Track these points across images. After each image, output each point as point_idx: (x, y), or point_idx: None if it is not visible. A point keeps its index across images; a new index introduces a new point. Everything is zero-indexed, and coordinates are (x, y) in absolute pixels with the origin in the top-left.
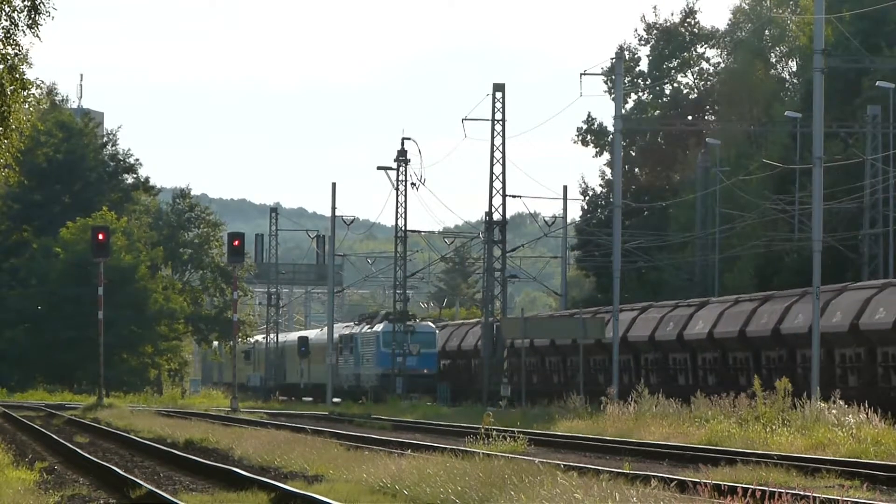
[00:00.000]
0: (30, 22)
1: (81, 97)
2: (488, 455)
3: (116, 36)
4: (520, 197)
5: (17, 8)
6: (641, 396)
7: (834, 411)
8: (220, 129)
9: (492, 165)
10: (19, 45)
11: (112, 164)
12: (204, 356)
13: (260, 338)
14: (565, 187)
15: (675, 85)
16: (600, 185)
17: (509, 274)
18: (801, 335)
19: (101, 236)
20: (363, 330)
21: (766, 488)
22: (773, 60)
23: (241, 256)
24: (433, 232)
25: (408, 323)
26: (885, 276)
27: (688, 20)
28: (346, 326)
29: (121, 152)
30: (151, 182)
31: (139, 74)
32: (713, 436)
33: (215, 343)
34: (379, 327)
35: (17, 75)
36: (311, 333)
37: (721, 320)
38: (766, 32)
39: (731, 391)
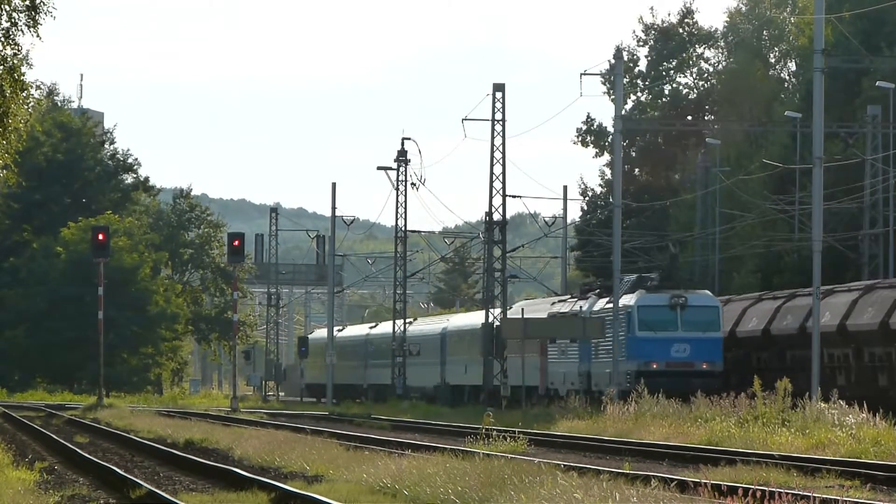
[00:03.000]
0: (29, 22)
1: (81, 97)
2: (488, 455)
3: (116, 36)
4: (520, 197)
5: (17, 7)
6: (641, 396)
7: (834, 411)
8: (220, 129)
9: (492, 165)
10: (18, 46)
11: (111, 163)
12: (204, 356)
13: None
14: (565, 187)
15: (675, 85)
16: (600, 186)
17: (509, 274)
18: (791, 335)
19: (101, 237)
20: (597, 306)
21: (766, 488)
22: (773, 61)
23: (242, 256)
24: (433, 232)
25: (675, 293)
26: (885, 277)
27: (686, 20)
28: (562, 301)
29: (120, 152)
30: (151, 182)
31: (139, 74)
32: (713, 436)
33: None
34: (630, 299)
35: (17, 76)
36: (460, 320)
37: None
38: (765, 33)
39: (721, 392)
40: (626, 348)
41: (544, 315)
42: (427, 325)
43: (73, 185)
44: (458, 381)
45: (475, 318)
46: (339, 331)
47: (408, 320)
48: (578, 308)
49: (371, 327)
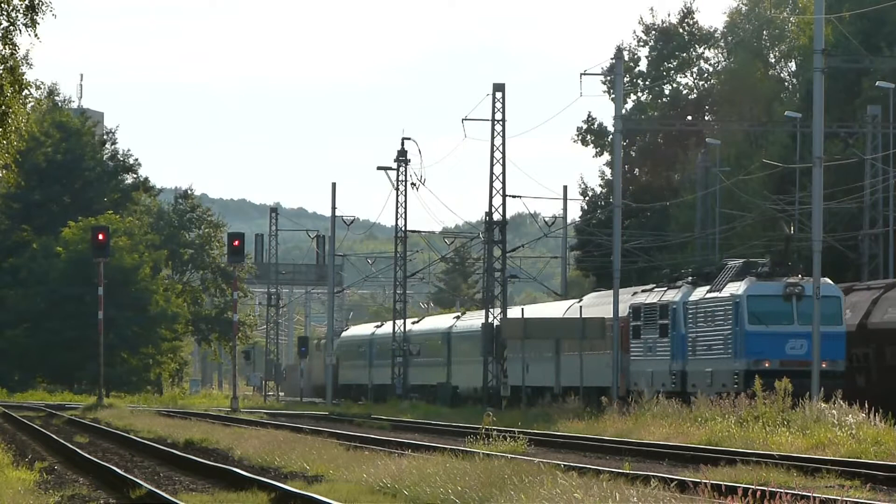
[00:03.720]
0: (28, 22)
1: (81, 97)
2: (488, 455)
3: (116, 36)
4: (520, 197)
5: (16, 7)
6: (641, 397)
7: (834, 411)
8: (220, 129)
9: (492, 165)
10: (16, 46)
11: (111, 163)
12: (204, 356)
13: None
14: (565, 187)
15: (675, 85)
16: (600, 186)
17: (509, 274)
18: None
19: (100, 237)
20: (693, 295)
21: (766, 488)
22: (773, 61)
23: (242, 256)
24: (433, 232)
25: (790, 281)
26: (885, 277)
27: (686, 20)
28: (646, 291)
29: (120, 152)
30: (151, 182)
31: (139, 74)
32: (713, 436)
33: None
34: (739, 287)
35: (17, 76)
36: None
37: None
38: (765, 33)
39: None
40: (733, 344)
41: (626, 309)
42: (479, 319)
43: (73, 185)
44: (513, 382)
45: (537, 311)
46: (378, 327)
47: (455, 315)
48: (669, 299)
49: (413, 322)
